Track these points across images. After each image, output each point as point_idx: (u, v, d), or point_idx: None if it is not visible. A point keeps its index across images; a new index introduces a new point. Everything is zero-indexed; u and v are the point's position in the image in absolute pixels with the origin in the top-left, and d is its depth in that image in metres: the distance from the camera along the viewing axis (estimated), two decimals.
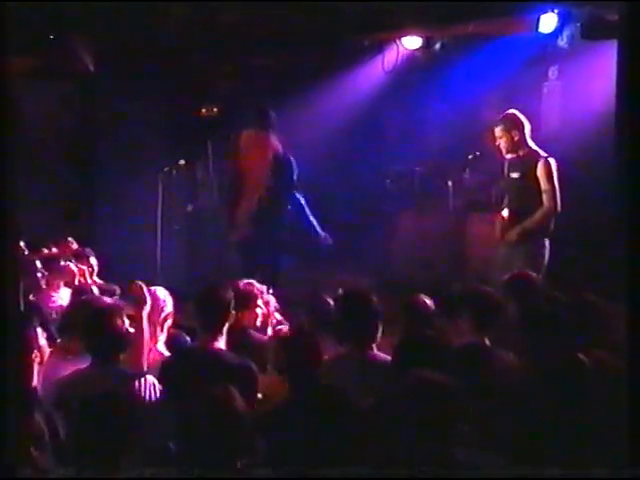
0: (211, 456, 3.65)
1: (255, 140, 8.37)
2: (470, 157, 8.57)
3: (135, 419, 3.87)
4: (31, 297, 6.52)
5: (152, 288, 6.06)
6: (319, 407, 4.19)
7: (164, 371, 4.95)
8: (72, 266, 7.37)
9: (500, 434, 3.98)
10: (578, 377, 4.06)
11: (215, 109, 11.08)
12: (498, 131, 7.57)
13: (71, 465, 3.69)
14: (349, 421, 4.12)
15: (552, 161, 7.48)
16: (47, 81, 10.03)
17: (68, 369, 4.89)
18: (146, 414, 4.43)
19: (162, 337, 5.81)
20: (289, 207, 8.40)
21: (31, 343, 4.70)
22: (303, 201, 8.45)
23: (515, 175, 7.59)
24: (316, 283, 8.42)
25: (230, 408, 3.77)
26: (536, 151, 7.54)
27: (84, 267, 7.54)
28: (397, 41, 9.89)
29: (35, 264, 6.78)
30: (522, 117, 7.58)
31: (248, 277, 7.46)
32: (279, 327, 6.01)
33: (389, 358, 5.00)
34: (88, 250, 7.92)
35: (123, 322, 4.88)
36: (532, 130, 7.66)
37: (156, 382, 4.81)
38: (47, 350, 5.15)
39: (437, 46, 9.72)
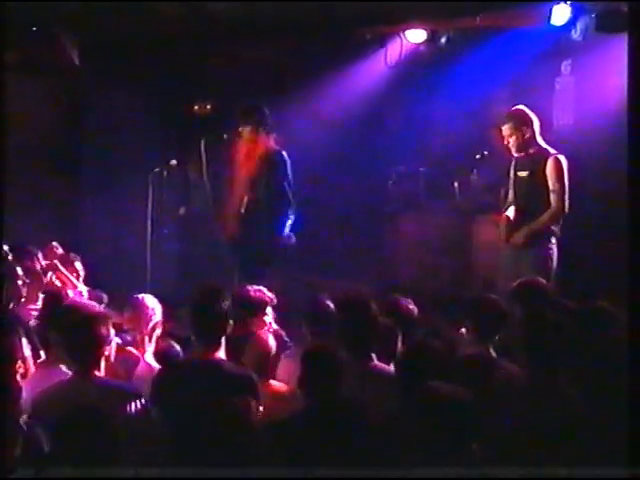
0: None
1: (247, 139, 8.44)
2: (478, 157, 8.59)
3: (118, 434, 3.88)
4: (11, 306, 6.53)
5: (140, 296, 6.14)
6: (335, 423, 4.23)
7: (157, 385, 4.95)
8: (54, 279, 7.42)
9: (502, 445, 4.04)
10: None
11: (208, 106, 11.11)
12: (507, 129, 7.59)
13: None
14: (365, 437, 4.17)
15: (562, 159, 7.50)
16: (29, 76, 10.07)
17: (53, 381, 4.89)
18: (133, 429, 4.43)
19: (150, 348, 5.87)
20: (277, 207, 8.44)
21: (14, 353, 4.71)
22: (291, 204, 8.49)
23: (523, 174, 7.61)
24: (315, 289, 8.46)
25: (248, 420, 3.84)
26: (545, 149, 7.57)
27: (70, 274, 7.61)
28: (401, 34, 9.91)
29: (17, 272, 6.82)
30: (530, 113, 7.62)
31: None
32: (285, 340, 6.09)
33: (390, 368, 5.06)
34: (73, 255, 7.97)
35: (108, 331, 4.87)
36: (544, 129, 7.69)
37: (143, 395, 4.78)
38: (31, 362, 5.20)
39: (443, 40, 9.75)
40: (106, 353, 4.78)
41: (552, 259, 7.41)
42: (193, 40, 9.91)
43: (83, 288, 7.59)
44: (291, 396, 5.02)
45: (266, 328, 6.03)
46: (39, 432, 4.25)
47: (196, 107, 11.11)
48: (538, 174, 7.48)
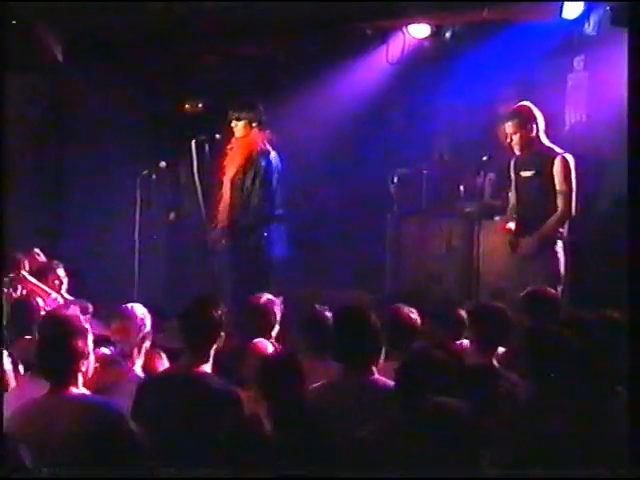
0: None
1: (239, 137, 8.48)
2: (484, 158, 8.59)
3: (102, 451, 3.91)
4: None
5: (129, 305, 6.17)
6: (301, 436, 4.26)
7: (138, 397, 4.97)
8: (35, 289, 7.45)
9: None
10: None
11: (200, 104, 11.15)
12: (511, 126, 7.59)
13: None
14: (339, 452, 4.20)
15: (570, 158, 7.52)
16: (9, 73, 10.08)
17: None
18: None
19: (140, 360, 5.90)
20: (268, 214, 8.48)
21: None
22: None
23: (527, 174, 7.63)
24: (311, 298, 8.49)
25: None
26: (551, 147, 7.58)
27: (52, 282, 7.64)
28: (403, 29, 9.94)
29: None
30: (536, 109, 7.63)
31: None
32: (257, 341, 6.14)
33: (391, 383, 5.07)
34: (56, 262, 7.98)
35: (86, 345, 4.76)
36: (555, 128, 7.71)
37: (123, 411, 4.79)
38: (12, 377, 5.23)
39: (448, 35, 9.79)
40: (83, 368, 4.68)
41: (560, 265, 7.45)
42: (184, 36, 9.93)
43: (59, 298, 7.58)
44: None
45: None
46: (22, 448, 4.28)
47: (187, 106, 11.15)
48: (544, 174, 7.50)
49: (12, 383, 5.20)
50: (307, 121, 10.57)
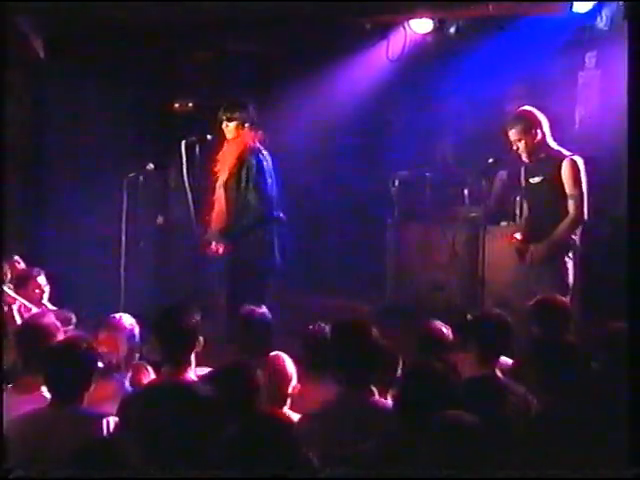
0: None
1: (230, 137, 8.50)
2: (490, 161, 8.60)
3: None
4: None
5: (117, 315, 6.19)
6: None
7: (124, 409, 5.00)
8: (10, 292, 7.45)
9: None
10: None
11: (190, 104, 11.17)
12: (514, 133, 7.55)
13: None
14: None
15: (579, 160, 7.51)
16: None
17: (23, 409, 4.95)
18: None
19: (128, 374, 5.93)
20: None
21: None
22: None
23: (535, 180, 7.62)
24: (308, 310, 8.53)
25: None
26: (559, 150, 7.56)
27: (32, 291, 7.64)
28: (405, 24, 9.98)
29: None
30: (539, 113, 7.62)
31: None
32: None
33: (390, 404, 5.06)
34: (37, 270, 7.94)
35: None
36: (565, 128, 7.71)
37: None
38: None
39: (452, 30, 9.83)
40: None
41: (570, 273, 7.48)
42: (173, 32, 9.96)
43: (35, 308, 7.58)
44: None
45: None
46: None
47: (176, 105, 11.16)
48: (553, 179, 7.49)
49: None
50: (303, 121, 10.58)
